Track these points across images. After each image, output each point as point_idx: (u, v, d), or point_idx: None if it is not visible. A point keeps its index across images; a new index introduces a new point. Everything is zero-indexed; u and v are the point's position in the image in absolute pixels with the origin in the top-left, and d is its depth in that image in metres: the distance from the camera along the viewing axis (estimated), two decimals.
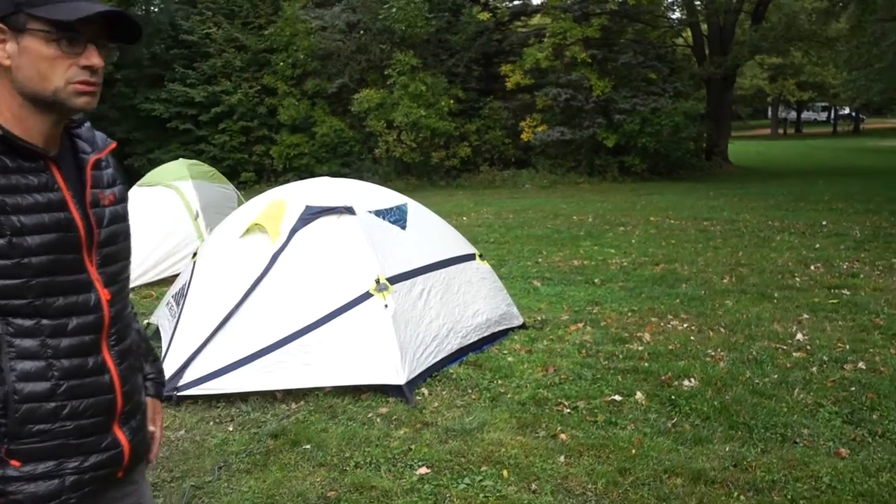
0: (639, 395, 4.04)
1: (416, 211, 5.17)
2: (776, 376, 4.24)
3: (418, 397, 4.06)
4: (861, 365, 4.39)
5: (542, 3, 21.22)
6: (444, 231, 5.33)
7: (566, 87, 18.29)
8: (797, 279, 6.78)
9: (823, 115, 56.33)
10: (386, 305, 4.22)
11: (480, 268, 5.21)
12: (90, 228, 1.30)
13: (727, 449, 3.36)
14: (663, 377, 4.28)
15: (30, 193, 1.22)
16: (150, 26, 21.07)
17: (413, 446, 3.49)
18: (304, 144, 19.84)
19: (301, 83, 20.14)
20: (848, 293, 6.16)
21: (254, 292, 4.32)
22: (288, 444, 3.56)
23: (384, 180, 17.98)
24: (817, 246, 8.43)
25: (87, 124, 1.38)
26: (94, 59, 1.24)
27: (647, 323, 5.47)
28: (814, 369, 4.35)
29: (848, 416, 3.67)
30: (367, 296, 4.25)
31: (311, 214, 4.59)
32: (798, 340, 4.91)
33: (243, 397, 4.09)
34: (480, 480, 3.15)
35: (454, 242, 5.23)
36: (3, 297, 1.20)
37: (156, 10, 22.58)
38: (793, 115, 53.84)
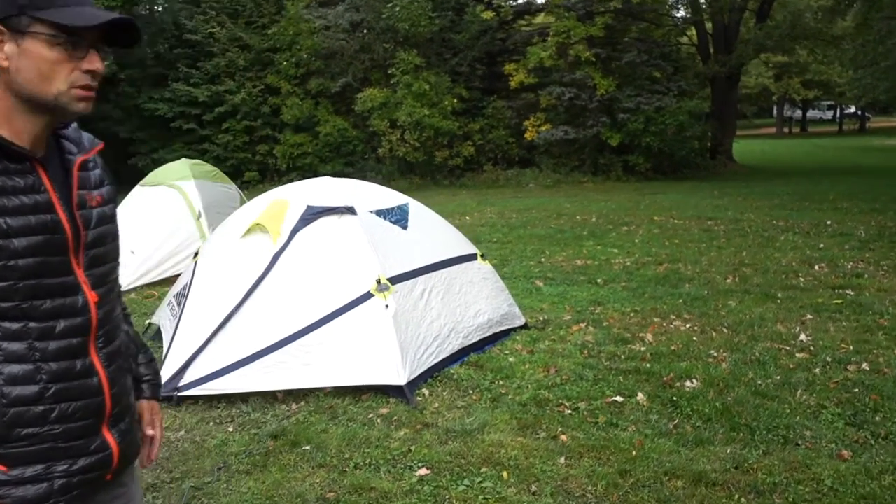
0: (640, 396, 4.02)
1: (418, 211, 5.16)
2: (779, 377, 4.22)
3: (419, 398, 4.05)
4: (864, 366, 4.36)
5: (545, 2, 21.15)
6: (445, 231, 5.32)
7: (570, 86, 18.25)
8: (801, 279, 6.75)
9: (829, 114, 56.19)
10: (387, 306, 4.21)
11: (482, 268, 5.19)
12: (77, 230, 1.28)
13: (728, 451, 3.34)
14: (665, 378, 4.26)
15: (16, 195, 1.21)
16: (154, 26, 21.10)
17: (413, 447, 3.48)
18: (307, 144, 19.85)
19: (304, 82, 20.14)
20: (852, 293, 6.13)
21: (255, 292, 4.32)
22: (288, 444, 3.56)
23: (388, 180, 17.98)
24: (821, 246, 8.39)
25: (74, 125, 1.37)
26: (96, 63, 1.25)
27: (650, 323, 5.45)
28: (817, 370, 4.33)
29: (851, 418, 3.65)
30: (367, 296, 4.25)
31: (313, 214, 4.58)
32: (801, 341, 4.88)
33: (244, 398, 4.08)
34: (480, 482, 3.14)
35: (455, 242, 5.22)
36: None
37: (159, 9, 22.61)
38: (798, 113, 53.71)
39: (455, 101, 18.95)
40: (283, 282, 4.35)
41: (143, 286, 7.08)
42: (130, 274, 7.08)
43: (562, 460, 3.30)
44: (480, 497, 3.02)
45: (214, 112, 19.73)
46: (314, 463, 3.37)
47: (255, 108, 20.02)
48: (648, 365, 4.51)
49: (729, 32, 21.55)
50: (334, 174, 15.65)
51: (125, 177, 16.24)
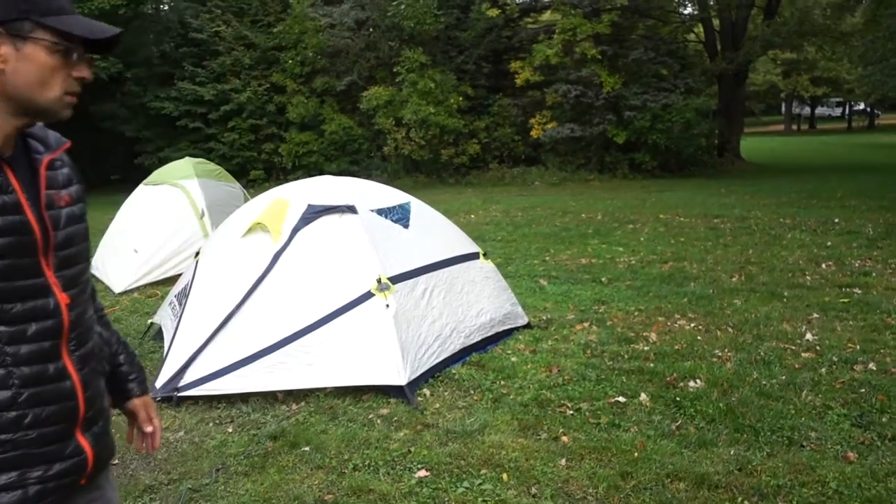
0: (643, 396, 3.97)
1: (420, 209, 5.12)
2: (784, 377, 4.17)
3: (420, 398, 4.02)
4: (871, 366, 4.30)
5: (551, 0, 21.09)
6: (447, 230, 5.28)
7: (576, 84, 18.18)
8: (808, 278, 6.68)
9: (838, 111, 55.81)
10: (387, 305, 4.18)
11: (484, 267, 5.16)
12: (46, 231, 1.26)
13: (732, 452, 3.29)
14: (669, 378, 4.21)
15: None
16: (160, 24, 21.17)
17: (413, 448, 3.45)
18: (312, 142, 19.86)
19: (310, 81, 20.15)
20: (859, 292, 6.06)
21: (255, 292, 4.30)
22: (287, 445, 3.53)
23: (393, 178, 17.98)
24: (829, 244, 8.31)
25: (40, 123, 1.35)
26: (86, 71, 1.27)
27: (654, 322, 5.40)
28: (823, 370, 4.27)
29: (857, 419, 3.59)
30: (368, 295, 4.22)
31: (314, 213, 4.56)
32: (807, 340, 4.83)
33: (244, 398, 4.06)
34: (480, 484, 3.11)
35: (457, 241, 5.18)
36: None
37: (165, 8, 22.66)
38: (807, 110, 53.40)
39: (460, 98, 18.91)
40: (284, 281, 4.33)
41: (145, 285, 7.08)
42: (133, 273, 7.09)
43: (563, 462, 3.26)
44: (480, 499, 2.99)
45: (220, 111, 19.78)
46: (313, 464, 3.34)
47: (260, 106, 20.05)
48: (652, 365, 4.46)
49: (736, 29, 21.42)
50: (339, 173, 15.68)
51: (131, 176, 16.32)
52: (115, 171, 22.30)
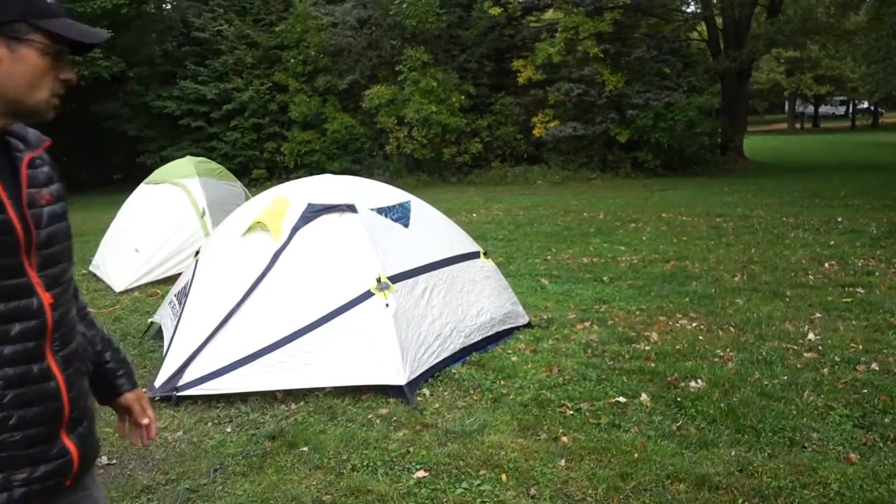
0: (644, 396, 3.95)
1: (420, 208, 5.10)
2: (786, 378, 4.14)
3: (419, 398, 4.00)
4: (874, 366, 4.27)
5: None
6: (447, 229, 5.26)
7: (578, 82, 18.15)
8: (810, 277, 6.65)
9: (841, 110, 55.68)
10: (387, 304, 4.16)
11: (485, 266, 5.13)
12: (28, 230, 1.25)
13: (733, 453, 3.27)
14: (670, 378, 4.19)
15: None
16: (162, 24, 21.17)
17: (412, 449, 3.43)
18: (315, 141, 19.85)
19: (312, 80, 20.14)
20: (862, 291, 6.03)
21: (255, 291, 4.28)
22: (285, 445, 3.52)
23: (395, 177, 17.97)
24: (832, 243, 8.27)
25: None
26: (70, 73, 1.30)
27: (656, 322, 5.38)
28: (825, 370, 4.24)
29: (859, 420, 3.57)
30: (368, 295, 4.20)
31: (313, 212, 4.54)
32: (810, 340, 4.80)
33: (243, 398, 4.05)
34: (479, 485, 3.09)
35: (458, 240, 5.16)
36: None
37: (168, 7, 22.68)
38: (810, 109, 53.26)
39: (463, 97, 18.89)
40: (284, 280, 4.31)
41: (146, 284, 7.08)
42: (134, 272, 7.09)
43: (562, 462, 3.24)
44: (479, 500, 2.97)
45: (222, 110, 19.79)
46: (311, 464, 3.33)
47: (262, 105, 20.06)
48: (653, 364, 4.44)
49: (739, 27, 21.36)
50: (342, 171, 15.68)
51: (134, 175, 16.32)
52: (117, 170, 22.34)
